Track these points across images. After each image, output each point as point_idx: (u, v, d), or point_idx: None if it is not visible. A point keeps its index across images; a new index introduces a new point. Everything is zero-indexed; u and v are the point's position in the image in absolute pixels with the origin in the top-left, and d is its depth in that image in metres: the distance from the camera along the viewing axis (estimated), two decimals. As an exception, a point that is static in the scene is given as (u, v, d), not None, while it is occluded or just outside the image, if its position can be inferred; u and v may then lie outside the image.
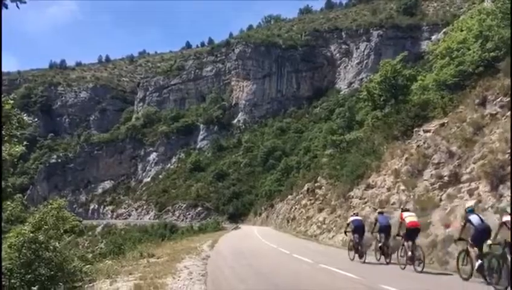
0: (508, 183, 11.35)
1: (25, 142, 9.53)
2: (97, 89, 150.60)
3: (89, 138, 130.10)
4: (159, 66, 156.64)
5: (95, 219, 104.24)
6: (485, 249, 9.58)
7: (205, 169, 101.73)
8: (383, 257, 14.11)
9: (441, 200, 14.29)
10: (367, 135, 28.98)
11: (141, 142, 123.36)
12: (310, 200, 33.19)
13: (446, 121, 17.17)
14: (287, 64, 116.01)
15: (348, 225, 16.14)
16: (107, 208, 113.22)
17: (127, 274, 12.16)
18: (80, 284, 9.90)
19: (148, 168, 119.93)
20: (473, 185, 12.97)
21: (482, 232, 9.62)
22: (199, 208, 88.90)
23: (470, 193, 12.90)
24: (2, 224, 9.46)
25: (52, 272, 9.13)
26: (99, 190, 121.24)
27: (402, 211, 13.15)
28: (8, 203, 10.37)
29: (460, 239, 10.40)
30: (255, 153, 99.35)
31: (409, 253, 12.15)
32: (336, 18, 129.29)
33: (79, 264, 10.25)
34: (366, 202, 20.76)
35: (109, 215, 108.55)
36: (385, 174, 20.02)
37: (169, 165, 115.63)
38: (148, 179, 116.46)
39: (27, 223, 9.58)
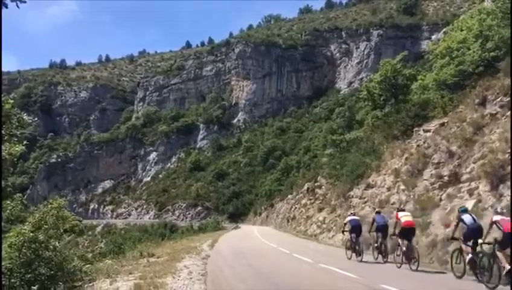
0: (508, 183, 11.37)
1: (24, 142, 9.53)
2: (97, 88, 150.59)
3: (88, 138, 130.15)
4: (159, 65, 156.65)
5: (95, 218, 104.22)
6: (478, 248, 9.86)
7: (205, 169, 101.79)
8: (380, 256, 14.33)
9: (440, 199, 14.30)
10: (367, 135, 28.97)
11: (141, 141, 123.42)
12: (310, 199, 33.19)
13: (446, 121, 17.17)
14: (287, 64, 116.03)
15: (345, 224, 16.32)
16: (107, 207, 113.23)
17: (127, 274, 12.16)
18: (80, 283, 9.91)
19: (148, 167, 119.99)
20: (473, 184, 12.98)
21: (474, 231, 9.91)
22: (199, 208, 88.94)
23: (470, 192, 12.91)
24: (2, 223, 9.45)
25: (52, 272, 9.13)
26: (99, 190, 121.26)
27: (397, 211, 13.44)
28: (8, 202, 10.35)
29: (453, 238, 10.73)
30: (255, 152, 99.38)
31: (405, 251, 12.40)
32: (335, 18, 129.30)
33: (79, 264, 10.25)
34: (366, 202, 20.77)
35: (109, 215, 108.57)
36: (385, 174, 20.03)
37: (169, 164, 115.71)
38: (148, 179, 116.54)
39: (27, 223, 9.56)
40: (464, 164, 14.02)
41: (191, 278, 11.38)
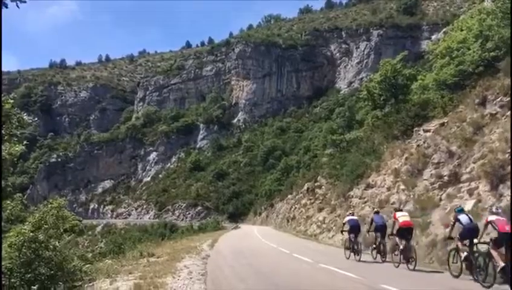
0: (508, 183, 11.38)
1: (24, 142, 9.55)
2: (97, 88, 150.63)
3: (88, 138, 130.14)
4: (159, 65, 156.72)
5: (94, 218, 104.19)
6: (474, 247, 9.99)
7: (205, 168, 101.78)
8: (378, 255, 14.45)
9: (440, 199, 14.30)
10: (367, 135, 28.97)
11: (141, 141, 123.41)
12: (310, 199, 33.18)
13: (446, 121, 17.17)
14: (287, 64, 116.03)
15: (344, 224, 16.44)
16: (107, 207, 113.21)
17: (127, 273, 12.16)
18: (80, 283, 9.91)
19: (148, 167, 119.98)
20: (473, 184, 12.98)
21: (471, 231, 10.05)
22: (199, 208, 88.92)
23: (470, 192, 12.91)
24: (2, 223, 9.46)
25: (52, 272, 9.14)
26: (99, 190, 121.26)
27: (395, 211, 13.58)
28: (8, 202, 10.37)
29: (450, 238, 10.93)
30: (255, 152, 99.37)
31: (402, 251, 12.50)
32: (335, 18, 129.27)
33: (79, 264, 10.27)
34: (366, 202, 20.77)
35: (109, 215, 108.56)
36: (385, 174, 20.02)
37: (169, 164, 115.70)
38: (148, 179, 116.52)
39: (27, 223, 9.57)
40: (464, 164, 14.02)
41: (191, 278, 11.38)
